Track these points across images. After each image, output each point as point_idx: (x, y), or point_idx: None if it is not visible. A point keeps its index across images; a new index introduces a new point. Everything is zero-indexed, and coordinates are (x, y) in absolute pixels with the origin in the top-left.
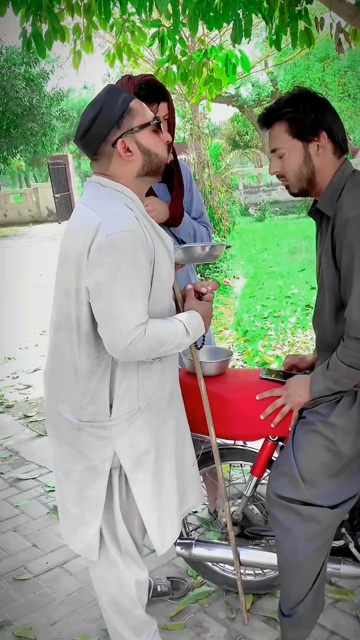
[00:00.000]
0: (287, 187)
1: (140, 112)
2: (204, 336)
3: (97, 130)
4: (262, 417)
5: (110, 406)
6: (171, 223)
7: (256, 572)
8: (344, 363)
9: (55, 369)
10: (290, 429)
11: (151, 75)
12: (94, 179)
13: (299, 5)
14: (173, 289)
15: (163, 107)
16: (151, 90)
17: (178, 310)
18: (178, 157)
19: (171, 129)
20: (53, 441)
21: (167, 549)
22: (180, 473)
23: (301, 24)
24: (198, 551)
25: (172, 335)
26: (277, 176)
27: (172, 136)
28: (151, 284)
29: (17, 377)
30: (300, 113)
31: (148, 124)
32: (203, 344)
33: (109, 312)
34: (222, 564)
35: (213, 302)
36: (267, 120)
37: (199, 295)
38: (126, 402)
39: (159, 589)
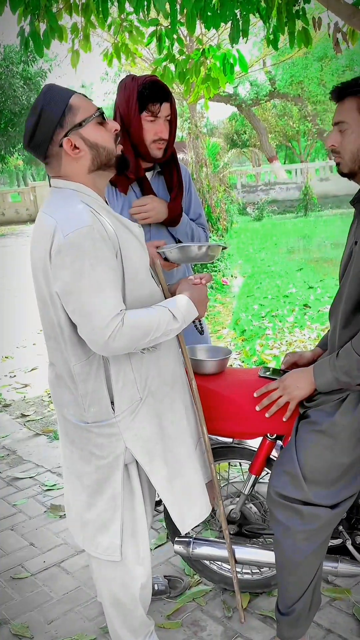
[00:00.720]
0: (338, 164)
1: (82, 107)
2: (200, 322)
3: (41, 134)
4: (257, 408)
5: (112, 403)
6: (170, 222)
7: (253, 570)
8: (358, 353)
9: (55, 376)
10: (284, 419)
11: (155, 76)
12: (52, 183)
13: (296, 5)
14: (157, 274)
15: (165, 107)
16: (154, 90)
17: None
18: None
19: (173, 129)
20: (64, 445)
21: (191, 528)
22: (195, 453)
23: (299, 24)
24: (196, 549)
25: (156, 322)
26: (332, 150)
27: (173, 136)
28: (123, 274)
29: (15, 376)
30: None
31: (90, 117)
32: (202, 328)
33: (81, 311)
34: (220, 563)
35: (207, 288)
36: (341, 92)
37: None
38: (126, 396)
39: (156, 587)
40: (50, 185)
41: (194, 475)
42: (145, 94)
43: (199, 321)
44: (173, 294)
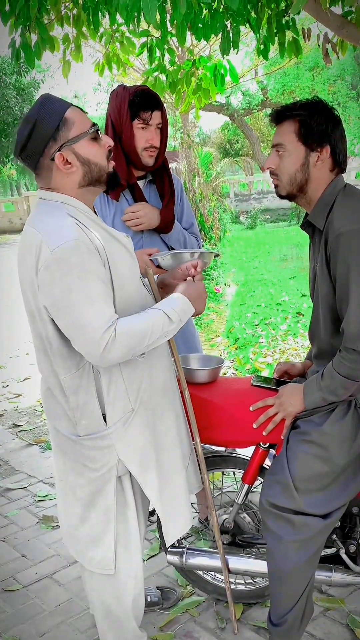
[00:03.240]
0: (276, 186)
1: (77, 121)
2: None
3: (34, 146)
4: (254, 425)
5: (104, 415)
6: (162, 229)
7: (247, 581)
8: (340, 374)
9: (47, 389)
10: (282, 437)
11: (146, 86)
12: (39, 194)
13: (286, 15)
14: (150, 283)
15: (156, 115)
16: (145, 99)
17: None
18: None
19: (164, 137)
20: (57, 457)
21: (176, 538)
22: (183, 464)
23: (289, 34)
24: (189, 560)
25: (150, 327)
26: (271, 172)
27: (164, 145)
28: (112, 285)
29: (7, 386)
30: (313, 120)
31: (85, 133)
32: None
33: (73, 325)
34: (213, 573)
35: (203, 279)
36: (279, 115)
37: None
38: (119, 407)
39: (148, 599)
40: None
41: (180, 487)
42: (136, 102)
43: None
44: (170, 287)
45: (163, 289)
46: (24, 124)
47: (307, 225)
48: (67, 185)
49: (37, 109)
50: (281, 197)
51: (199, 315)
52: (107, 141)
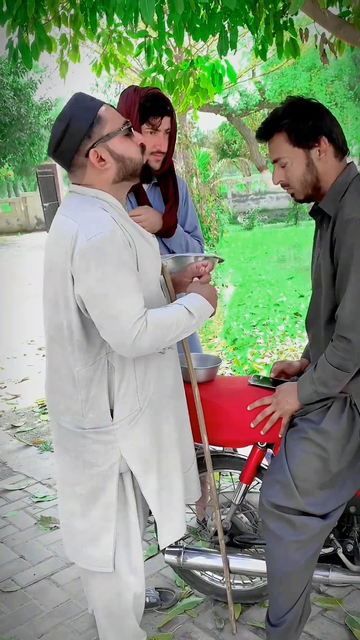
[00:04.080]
0: (292, 194)
1: (110, 119)
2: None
3: (68, 143)
4: (252, 425)
5: (111, 410)
6: (164, 233)
7: (245, 581)
8: (332, 364)
9: (54, 382)
10: (280, 436)
11: (158, 89)
12: (71, 188)
13: (284, 16)
14: (165, 282)
15: (166, 121)
16: (156, 104)
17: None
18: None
19: (172, 142)
20: (58, 454)
21: (171, 542)
22: (183, 468)
23: (286, 35)
24: (187, 559)
25: (175, 319)
26: (282, 185)
27: (172, 149)
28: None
29: (5, 387)
30: (297, 122)
31: (119, 130)
32: None
33: (107, 314)
34: (211, 573)
35: (211, 280)
36: (265, 132)
37: None
38: (127, 405)
39: (147, 599)
40: (39, 195)
41: (178, 492)
42: (147, 107)
43: None
44: (180, 285)
45: (174, 287)
46: (59, 121)
47: (317, 212)
48: (100, 181)
49: (70, 108)
50: (301, 201)
51: (212, 316)
52: (139, 137)
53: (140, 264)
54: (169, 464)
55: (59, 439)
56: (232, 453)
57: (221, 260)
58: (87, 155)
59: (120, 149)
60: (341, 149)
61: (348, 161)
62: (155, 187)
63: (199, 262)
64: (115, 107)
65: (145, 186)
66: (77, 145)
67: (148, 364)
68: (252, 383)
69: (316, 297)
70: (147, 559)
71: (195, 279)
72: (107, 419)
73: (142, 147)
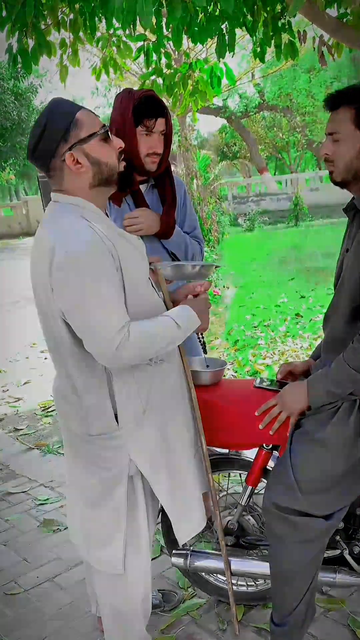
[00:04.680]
0: (331, 172)
1: (87, 123)
2: (202, 336)
3: (45, 146)
4: (260, 426)
5: (116, 415)
6: (162, 235)
7: (248, 583)
8: (349, 365)
9: (60, 388)
10: (288, 434)
11: (152, 91)
12: (53, 197)
13: (282, 18)
14: (161, 288)
15: (160, 123)
16: (150, 105)
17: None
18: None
19: (168, 143)
20: (68, 457)
21: (188, 539)
22: (194, 463)
23: (285, 37)
24: (194, 561)
25: (161, 331)
26: (326, 159)
27: (168, 151)
28: (124, 287)
29: (7, 390)
30: None
31: (95, 133)
32: (204, 342)
33: (87, 326)
34: (216, 575)
35: (208, 297)
36: (335, 101)
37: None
38: (130, 408)
39: None
40: (40, 199)
41: (193, 487)
42: (140, 109)
43: (201, 335)
44: (175, 303)
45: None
46: (36, 125)
47: (350, 209)
48: (77, 186)
49: (47, 111)
50: (335, 183)
51: (204, 331)
52: (118, 142)
53: (124, 269)
54: (179, 461)
55: (69, 444)
56: (238, 455)
57: (218, 267)
58: (64, 159)
59: (96, 153)
60: None
61: None
62: (152, 188)
63: (196, 284)
64: (107, 109)
65: (142, 188)
66: (54, 148)
67: (148, 368)
68: (258, 385)
69: (337, 296)
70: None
71: (190, 296)
72: (113, 424)
73: (120, 153)
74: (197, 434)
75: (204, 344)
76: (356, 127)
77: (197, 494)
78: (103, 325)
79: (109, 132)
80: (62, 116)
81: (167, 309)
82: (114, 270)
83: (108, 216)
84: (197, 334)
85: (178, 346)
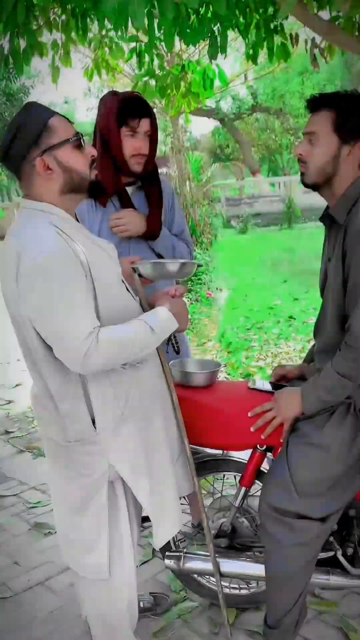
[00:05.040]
0: (302, 174)
1: (60, 129)
2: (176, 341)
3: (16, 150)
4: (252, 429)
5: (93, 421)
6: (149, 236)
7: (241, 585)
8: (338, 372)
9: (37, 395)
10: (282, 440)
11: (137, 92)
12: (22, 203)
13: (274, 21)
14: (137, 288)
15: (145, 123)
16: (134, 106)
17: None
18: (158, 170)
19: (153, 144)
20: (49, 463)
21: (165, 542)
22: (179, 465)
23: (277, 39)
24: (187, 564)
25: (133, 336)
26: (299, 159)
27: (154, 152)
28: (95, 292)
29: None
30: (350, 112)
31: (67, 140)
32: (178, 347)
33: (55, 333)
34: (209, 577)
35: (185, 298)
36: (317, 103)
37: None
38: (108, 413)
39: (141, 604)
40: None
41: (169, 490)
42: (124, 110)
43: (175, 340)
44: (152, 306)
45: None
46: (8, 129)
47: (326, 218)
48: (48, 192)
49: (21, 116)
50: (306, 185)
51: (183, 332)
52: (91, 151)
53: (95, 275)
54: (158, 463)
55: (49, 450)
56: (232, 456)
57: (200, 265)
58: (34, 165)
59: (67, 160)
60: None
61: None
62: (139, 190)
63: (172, 288)
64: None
65: (129, 189)
66: (25, 152)
67: (124, 372)
68: (252, 387)
69: (325, 304)
70: (142, 564)
71: (165, 289)
72: (90, 430)
73: (93, 161)
74: (179, 437)
75: (178, 349)
76: (334, 131)
77: (173, 497)
78: (70, 332)
79: (82, 140)
80: (34, 121)
81: (144, 309)
82: (82, 275)
83: (78, 221)
84: (172, 338)
85: (157, 348)
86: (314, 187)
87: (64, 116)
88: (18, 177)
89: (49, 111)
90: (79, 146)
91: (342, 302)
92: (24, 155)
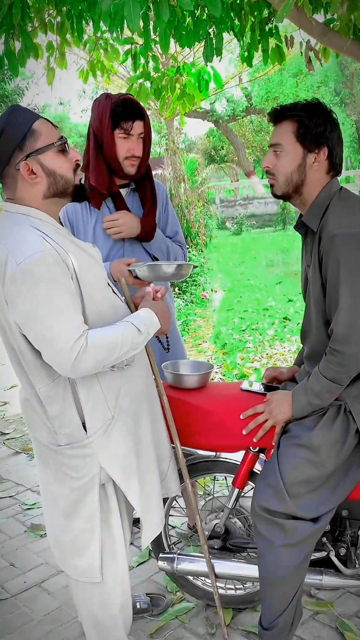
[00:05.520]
0: (272, 185)
1: (45, 133)
2: (166, 338)
3: (0, 154)
4: (244, 432)
5: (83, 424)
6: (143, 238)
7: (237, 586)
8: (326, 377)
9: (25, 399)
10: (273, 443)
11: (130, 95)
12: (4, 207)
13: (269, 23)
14: (123, 291)
15: (139, 125)
16: (127, 108)
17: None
18: (153, 172)
19: (146, 146)
20: (40, 467)
21: (149, 541)
22: (158, 465)
23: (272, 42)
24: (180, 565)
25: (120, 337)
26: (267, 171)
27: (147, 154)
28: (81, 295)
29: None
30: (312, 121)
31: (52, 144)
32: (168, 345)
33: (43, 338)
34: (203, 578)
35: (165, 303)
36: (278, 115)
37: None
38: (98, 416)
39: (138, 606)
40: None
41: (154, 491)
42: (117, 112)
43: (166, 337)
44: (137, 308)
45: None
46: None
47: (300, 226)
48: (31, 196)
49: (5, 119)
50: (276, 196)
51: (164, 334)
52: (75, 155)
53: (80, 278)
54: (145, 464)
55: (39, 454)
56: (225, 458)
57: (195, 267)
58: (18, 168)
59: (51, 164)
60: (335, 168)
61: None
62: (133, 192)
63: (155, 287)
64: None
65: (123, 191)
66: (9, 156)
67: (113, 374)
68: (245, 388)
69: (308, 311)
70: (138, 565)
71: (147, 289)
72: (81, 433)
73: (77, 165)
74: (167, 438)
75: (168, 347)
76: (297, 140)
77: (157, 500)
78: (59, 336)
79: (67, 145)
80: (19, 125)
81: (131, 311)
82: (68, 279)
83: (62, 224)
84: (165, 339)
85: (145, 349)
86: (285, 197)
87: (48, 120)
88: (1, 181)
89: (34, 115)
90: (63, 150)
91: (324, 307)
92: (8, 159)
